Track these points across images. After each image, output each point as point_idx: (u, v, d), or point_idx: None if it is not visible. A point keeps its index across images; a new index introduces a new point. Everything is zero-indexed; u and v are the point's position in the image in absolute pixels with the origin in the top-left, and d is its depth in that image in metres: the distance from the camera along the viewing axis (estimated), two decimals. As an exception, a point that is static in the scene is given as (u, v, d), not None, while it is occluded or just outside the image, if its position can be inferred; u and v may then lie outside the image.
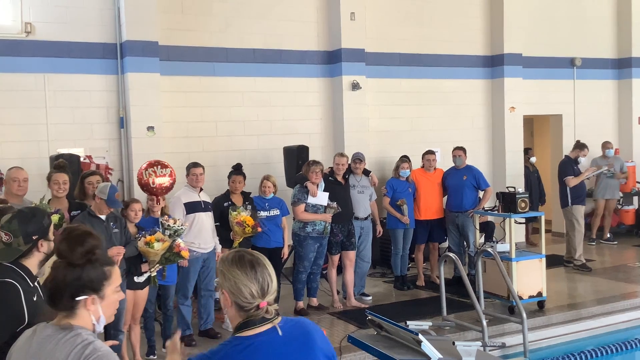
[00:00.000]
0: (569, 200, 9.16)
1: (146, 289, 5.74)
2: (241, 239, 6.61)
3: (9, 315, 2.62)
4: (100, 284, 2.18)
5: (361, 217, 7.72)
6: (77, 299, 2.14)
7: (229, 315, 2.26)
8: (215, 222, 6.64)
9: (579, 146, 9.42)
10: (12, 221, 2.85)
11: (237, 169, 6.98)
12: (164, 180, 6.09)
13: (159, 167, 6.08)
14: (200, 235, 6.39)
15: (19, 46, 7.67)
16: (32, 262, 2.88)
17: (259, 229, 6.62)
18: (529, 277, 7.04)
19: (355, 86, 9.32)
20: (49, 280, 2.16)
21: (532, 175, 10.99)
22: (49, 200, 5.68)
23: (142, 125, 8.04)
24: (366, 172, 7.94)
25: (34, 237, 2.85)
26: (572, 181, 9.10)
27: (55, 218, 5.07)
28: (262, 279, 2.19)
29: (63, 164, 6.05)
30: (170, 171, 6.17)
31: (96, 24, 8.05)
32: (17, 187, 5.51)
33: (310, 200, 7.13)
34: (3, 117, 7.59)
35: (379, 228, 8.18)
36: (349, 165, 7.74)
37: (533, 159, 11.12)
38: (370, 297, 7.80)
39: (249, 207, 6.70)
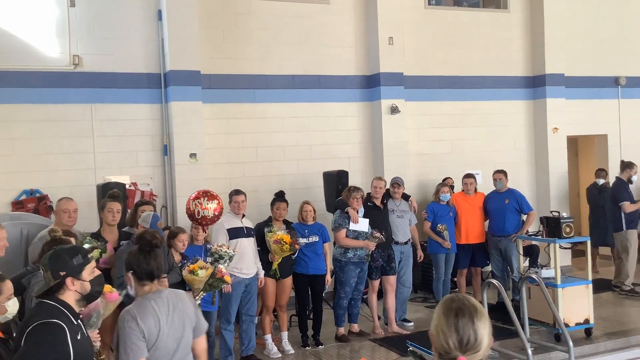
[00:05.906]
0: (624, 225, 8.83)
1: (189, 317, 5.80)
2: (280, 259, 6.64)
3: (56, 355, 2.72)
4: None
5: (401, 242, 7.68)
6: None
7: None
8: (257, 247, 6.70)
9: (627, 165, 9.14)
10: (49, 256, 2.94)
11: (281, 196, 6.97)
12: (212, 211, 6.06)
13: (207, 197, 6.08)
14: (242, 261, 6.44)
15: (67, 78, 7.95)
16: (69, 299, 2.91)
17: (297, 246, 6.65)
18: (576, 304, 6.88)
19: (394, 110, 9.33)
20: None
21: (600, 197, 9.94)
22: (100, 229, 5.84)
23: (185, 152, 8.22)
24: (405, 197, 7.91)
25: (61, 274, 2.88)
26: (629, 207, 8.80)
27: (96, 254, 5.13)
28: (463, 331, 2.01)
29: (117, 193, 6.17)
30: (218, 202, 6.13)
31: (141, 55, 8.29)
32: (67, 218, 5.68)
33: (352, 226, 7.13)
34: (52, 147, 7.86)
35: (420, 253, 8.11)
36: (388, 189, 7.73)
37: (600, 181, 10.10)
38: (412, 324, 7.72)
39: (286, 228, 6.76)
